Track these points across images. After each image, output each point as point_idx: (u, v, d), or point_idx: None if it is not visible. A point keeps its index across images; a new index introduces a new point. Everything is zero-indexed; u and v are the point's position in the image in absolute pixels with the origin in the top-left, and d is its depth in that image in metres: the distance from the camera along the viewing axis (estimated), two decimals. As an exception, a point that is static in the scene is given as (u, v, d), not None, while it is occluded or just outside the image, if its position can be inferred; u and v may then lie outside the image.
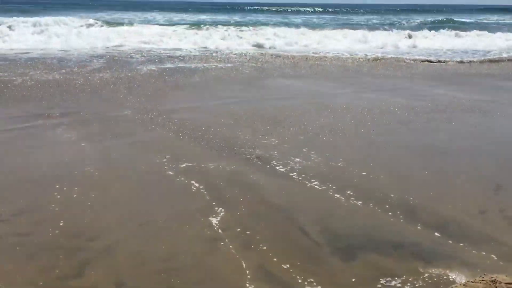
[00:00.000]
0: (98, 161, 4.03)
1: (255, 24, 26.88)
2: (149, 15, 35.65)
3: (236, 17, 36.39)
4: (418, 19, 36.09)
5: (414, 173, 3.90)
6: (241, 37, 16.99)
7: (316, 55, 12.92)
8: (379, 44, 16.29)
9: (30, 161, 4.05)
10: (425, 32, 19.99)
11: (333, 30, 20.53)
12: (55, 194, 3.35)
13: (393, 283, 2.36)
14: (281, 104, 6.41)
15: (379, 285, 2.35)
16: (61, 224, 2.93)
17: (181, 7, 57.90)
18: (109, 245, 2.69)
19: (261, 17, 37.86)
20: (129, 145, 4.50)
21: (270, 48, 14.95)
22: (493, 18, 40.06)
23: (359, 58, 12.45)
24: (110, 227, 2.91)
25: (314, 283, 2.35)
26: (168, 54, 12.28)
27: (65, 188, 3.45)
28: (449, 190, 3.54)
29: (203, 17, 35.25)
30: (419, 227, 2.94)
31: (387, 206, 3.23)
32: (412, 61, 12.05)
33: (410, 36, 18.37)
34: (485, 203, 3.31)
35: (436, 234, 2.86)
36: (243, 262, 2.53)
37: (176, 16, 36.04)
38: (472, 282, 2.28)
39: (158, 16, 35.95)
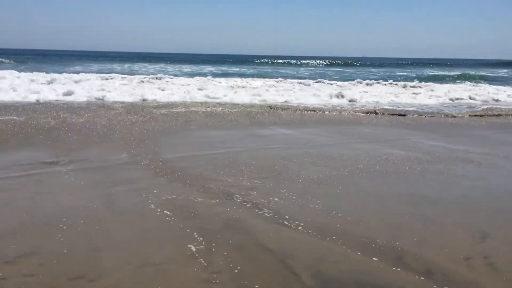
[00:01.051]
0: (100, 206, 4.22)
1: (262, 76, 27.72)
2: (159, 66, 36.99)
3: (244, 69, 37.57)
4: (422, 72, 37.02)
5: (403, 220, 4.04)
6: (244, 87, 17.63)
7: (314, 106, 13.31)
8: (379, 96, 16.74)
9: (35, 206, 4.25)
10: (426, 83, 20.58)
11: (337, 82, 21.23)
12: (59, 237, 3.52)
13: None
14: (278, 153, 6.63)
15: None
16: (64, 265, 3.08)
17: (187, 59, 59.76)
18: (110, 287, 2.83)
19: (269, 69, 39.04)
20: (130, 191, 4.70)
21: (271, 99, 15.29)
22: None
23: (356, 111, 12.80)
24: (110, 269, 3.05)
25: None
26: (169, 104, 12.74)
27: (68, 231, 3.62)
28: (436, 237, 3.67)
29: (210, 68, 36.47)
30: (404, 273, 3.06)
31: (375, 252, 3.36)
32: (409, 114, 12.37)
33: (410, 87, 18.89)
34: (470, 250, 3.44)
35: (421, 279, 2.98)
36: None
37: (184, 67, 37.31)
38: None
39: (168, 67, 37.30)
